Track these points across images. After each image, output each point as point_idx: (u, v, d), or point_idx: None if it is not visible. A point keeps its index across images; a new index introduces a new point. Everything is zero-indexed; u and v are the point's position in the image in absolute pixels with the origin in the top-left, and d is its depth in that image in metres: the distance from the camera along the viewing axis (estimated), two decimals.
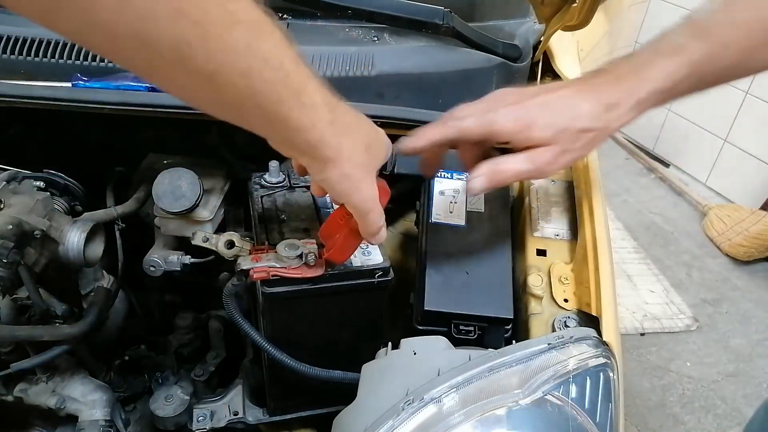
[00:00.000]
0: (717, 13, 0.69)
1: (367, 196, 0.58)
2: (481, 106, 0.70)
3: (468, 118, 0.68)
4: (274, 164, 0.85)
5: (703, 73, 0.68)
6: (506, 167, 0.66)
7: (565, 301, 0.74)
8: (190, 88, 0.45)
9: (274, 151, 0.80)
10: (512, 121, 0.65)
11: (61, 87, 0.84)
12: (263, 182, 0.85)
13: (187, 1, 0.39)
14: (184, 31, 0.39)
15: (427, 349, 0.64)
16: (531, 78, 1.07)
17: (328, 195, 0.74)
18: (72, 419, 0.85)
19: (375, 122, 0.85)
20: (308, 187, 0.85)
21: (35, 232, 0.75)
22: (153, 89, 0.85)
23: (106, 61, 0.87)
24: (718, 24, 0.68)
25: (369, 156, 0.57)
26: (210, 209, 0.87)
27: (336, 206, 0.72)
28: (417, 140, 0.69)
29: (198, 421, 0.86)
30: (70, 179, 0.89)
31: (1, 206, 0.76)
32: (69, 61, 0.87)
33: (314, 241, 0.71)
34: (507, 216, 0.85)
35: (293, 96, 0.48)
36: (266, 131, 0.52)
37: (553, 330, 0.71)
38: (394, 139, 0.91)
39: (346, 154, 0.54)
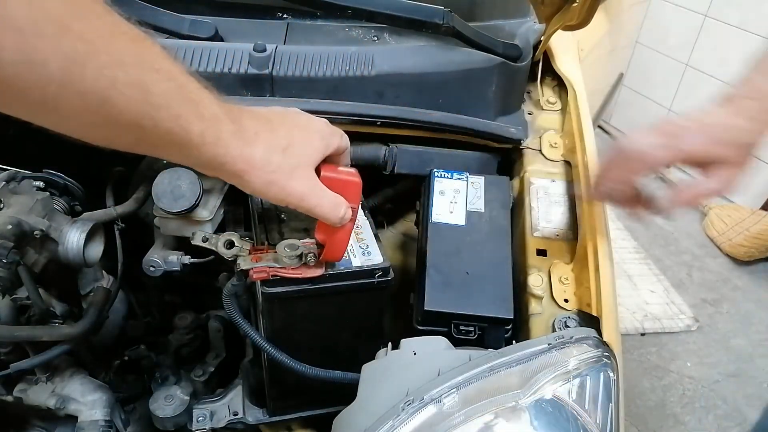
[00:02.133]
0: None
1: (301, 194, 0.57)
2: (659, 135, 0.72)
3: (659, 148, 0.70)
4: None
5: None
6: (704, 189, 0.69)
7: (566, 301, 0.74)
8: (83, 113, 0.42)
9: None
10: (700, 144, 0.68)
11: None
12: None
13: (70, 16, 0.38)
14: (73, 44, 0.38)
15: (427, 350, 0.64)
16: (531, 78, 1.07)
17: None
18: (72, 419, 0.85)
19: (375, 122, 0.86)
20: None
21: (35, 232, 0.75)
22: None
23: None
24: None
25: (289, 157, 0.56)
26: (210, 209, 0.86)
27: None
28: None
29: (198, 422, 0.86)
30: (69, 179, 0.89)
31: (1, 206, 0.76)
32: None
33: (314, 241, 0.71)
34: (507, 216, 0.85)
35: (192, 109, 0.47)
36: (171, 153, 0.50)
37: (554, 330, 0.71)
38: (395, 140, 0.92)
39: (259, 163, 0.53)
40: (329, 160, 0.63)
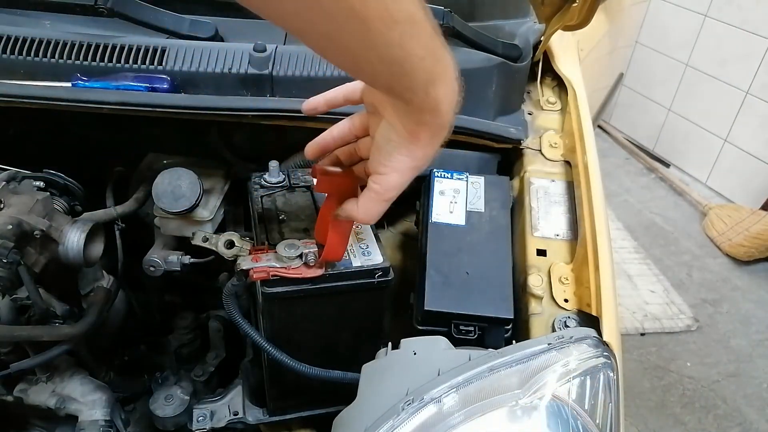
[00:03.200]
0: None
1: (398, 184, 0.57)
2: None
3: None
4: (274, 164, 0.85)
5: None
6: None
7: (566, 301, 0.74)
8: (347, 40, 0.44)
9: (274, 151, 0.80)
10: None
11: (61, 87, 0.84)
12: (263, 182, 0.84)
13: None
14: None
15: (427, 349, 0.64)
16: (531, 78, 1.07)
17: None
18: (72, 419, 0.85)
19: None
20: (308, 187, 0.85)
21: (35, 232, 0.75)
22: (153, 89, 0.85)
23: (105, 61, 0.87)
24: None
25: (431, 156, 0.57)
26: (210, 209, 0.86)
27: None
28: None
29: (198, 422, 0.86)
30: (69, 179, 0.89)
31: (1, 206, 0.76)
32: (69, 61, 0.87)
33: (314, 241, 0.71)
34: (507, 216, 0.85)
35: (432, 79, 0.50)
36: (391, 89, 0.52)
37: (553, 330, 0.71)
38: None
39: (431, 146, 0.55)
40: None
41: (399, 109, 0.53)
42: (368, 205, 0.60)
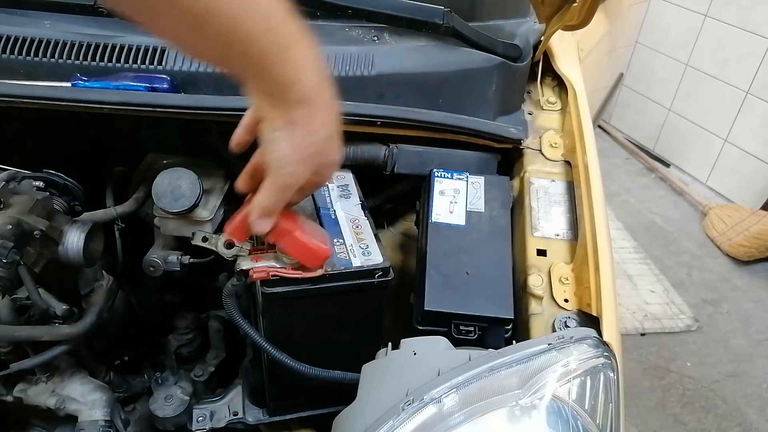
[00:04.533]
0: None
1: (292, 179, 0.56)
2: None
3: None
4: None
5: None
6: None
7: (566, 301, 0.74)
8: (178, 27, 0.45)
9: None
10: None
11: (61, 87, 0.84)
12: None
13: None
14: None
15: (427, 350, 0.64)
16: (531, 78, 1.07)
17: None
18: (72, 419, 0.85)
19: (375, 122, 0.86)
20: None
21: (35, 232, 0.75)
22: (153, 89, 0.85)
23: (105, 61, 0.87)
24: None
25: (324, 146, 0.56)
26: (210, 209, 0.86)
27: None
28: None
29: (198, 422, 0.86)
30: (69, 179, 0.89)
31: (1, 206, 0.76)
32: (69, 61, 0.87)
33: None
34: (507, 216, 0.85)
35: (281, 49, 0.48)
36: (250, 77, 0.51)
37: (554, 330, 0.71)
38: (395, 139, 0.92)
39: (311, 128, 0.53)
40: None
41: (261, 94, 0.53)
42: (264, 196, 0.59)
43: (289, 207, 0.66)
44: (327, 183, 0.65)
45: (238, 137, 0.65)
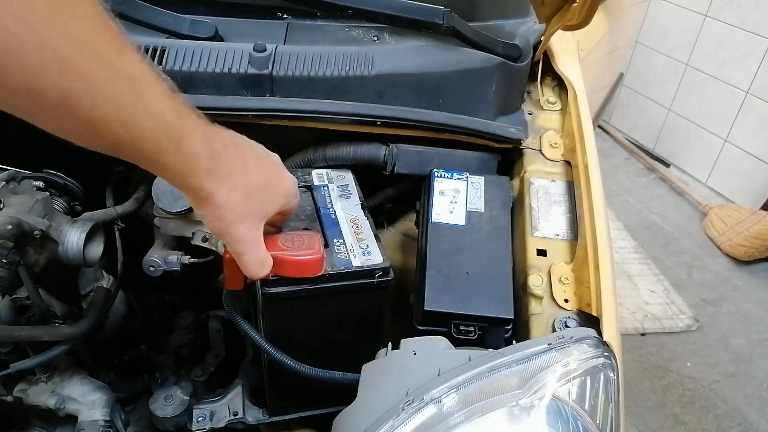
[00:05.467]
0: None
1: (237, 239, 0.60)
2: None
3: None
4: None
5: None
6: None
7: (566, 301, 0.74)
8: (73, 130, 0.47)
9: (273, 151, 0.80)
10: None
11: None
12: None
13: (77, 56, 0.41)
14: (73, 83, 0.41)
15: (427, 350, 0.64)
16: (531, 78, 1.07)
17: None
18: (72, 419, 0.85)
19: (375, 122, 0.86)
20: (308, 187, 0.85)
21: (35, 232, 0.75)
22: None
23: None
24: None
25: (249, 204, 0.59)
26: None
27: None
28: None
29: (198, 422, 0.86)
30: (69, 179, 0.89)
31: (1, 206, 0.76)
32: None
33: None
34: (507, 216, 0.85)
35: (173, 145, 0.50)
36: (146, 167, 0.54)
37: (554, 330, 0.71)
38: (395, 140, 0.92)
39: (220, 199, 0.56)
40: (274, 216, 0.65)
41: (175, 184, 0.56)
42: (243, 263, 0.62)
43: (274, 230, 0.69)
44: (290, 210, 0.69)
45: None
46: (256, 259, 0.63)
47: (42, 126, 0.47)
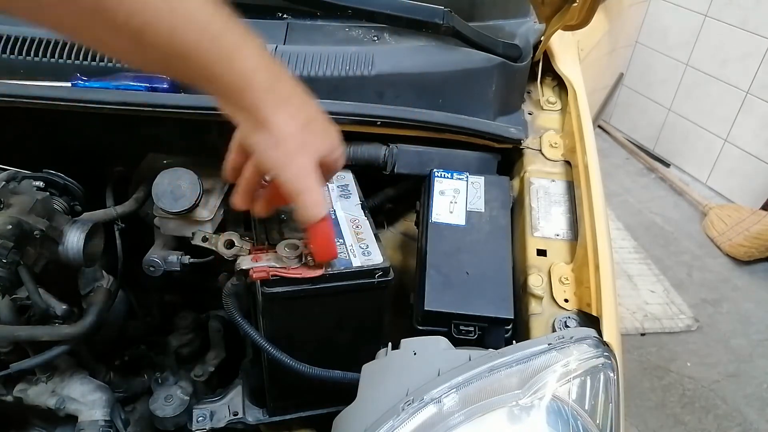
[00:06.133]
0: None
1: (298, 172, 0.56)
2: None
3: None
4: None
5: None
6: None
7: (566, 301, 0.74)
8: (117, 45, 0.46)
9: None
10: None
11: (61, 87, 0.84)
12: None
13: None
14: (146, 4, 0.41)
15: (427, 350, 0.64)
16: (531, 78, 1.07)
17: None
18: (72, 419, 0.85)
19: (375, 122, 0.86)
20: None
21: (35, 232, 0.75)
22: (153, 89, 0.85)
23: (106, 61, 0.87)
24: None
25: (306, 134, 0.56)
26: (210, 209, 0.86)
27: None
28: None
29: (198, 422, 0.86)
30: (69, 179, 0.89)
31: (1, 206, 0.76)
32: (69, 61, 0.87)
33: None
34: (507, 216, 0.85)
35: (224, 59, 0.48)
36: (199, 86, 0.52)
37: (554, 330, 0.71)
38: (395, 139, 0.92)
39: (280, 123, 0.53)
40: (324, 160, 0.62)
41: (220, 101, 0.53)
42: (299, 201, 0.58)
43: (326, 176, 0.65)
44: (338, 163, 0.65)
45: (230, 162, 0.65)
46: (318, 198, 0.58)
47: (96, 45, 0.47)
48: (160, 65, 0.48)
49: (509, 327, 0.73)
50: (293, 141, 0.55)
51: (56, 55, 0.87)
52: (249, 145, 0.57)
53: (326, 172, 0.63)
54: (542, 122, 1.02)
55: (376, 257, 0.73)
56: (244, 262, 0.70)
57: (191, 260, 0.88)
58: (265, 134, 0.53)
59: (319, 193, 0.59)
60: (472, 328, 0.72)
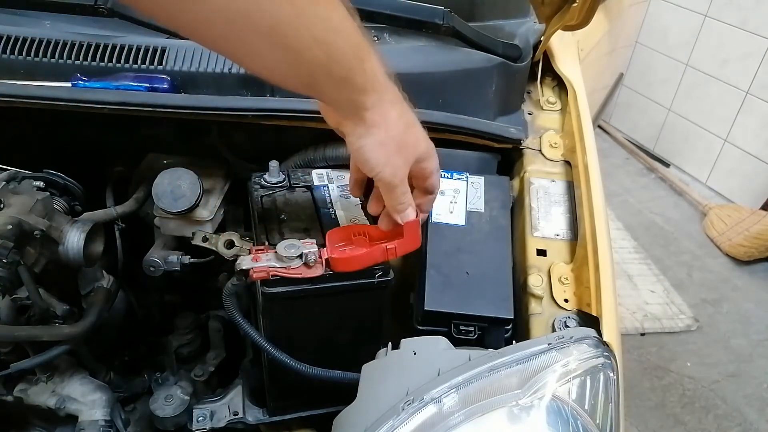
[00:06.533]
0: None
1: (395, 172, 0.60)
2: None
3: None
4: (274, 164, 0.85)
5: None
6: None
7: (566, 301, 0.74)
8: (276, 64, 0.49)
9: (274, 152, 0.81)
10: None
11: (61, 87, 0.84)
12: (263, 182, 0.84)
13: None
14: (282, 9, 0.44)
15: (427, 350, 0.64)
16: (531, 78, 1.07)
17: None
18: (72, 419, 0.85)
19: None
20: (308, 187, 0.85)
21: (35, 232, 0.75)
22: (153, 89, 0.85)
23: (106, 61, 0.87)
24: None
25: (407, 136, 0.59)
26: (210, 209, 0.86)
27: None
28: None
29: (198, 422, 0.86)
30: (69, 179, 0.89)
31: (1, 206, 0.76)
32: (69, 61, 0.87)
33: (314, 241, 0.71)
34: (507, 216, 0.85)
35: (358, 62, 0.52)
36: (329, 94, 0.55)
37: (554, 330, 0.71)
38: None
39: (390, 123, 0.56)
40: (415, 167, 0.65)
41: (339, 108, 0.57)
42: (391, 201, 0.64)
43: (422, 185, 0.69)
44: (427, 172, 0.68)
45: (353, 181, 0.73)
46: (410, 198, 0.63)
47: (252, 65, 0.49)
48: (306, 80, 0.51)
49: (509, 327, 0.73)
50: (395, 141, 0.59)
51: (56, 55, 0.87)
52: (356, 148, 0.59)
53: (419, 180, 0.68)
54: (542, 122, 1.02)
55: None
56: (245, 262, 0.70)
57: (191, 260, 0.88)
58: (373, 136, 0.57)
59: (409, 194, 0.64)
60: (472, 328, 0.72)
